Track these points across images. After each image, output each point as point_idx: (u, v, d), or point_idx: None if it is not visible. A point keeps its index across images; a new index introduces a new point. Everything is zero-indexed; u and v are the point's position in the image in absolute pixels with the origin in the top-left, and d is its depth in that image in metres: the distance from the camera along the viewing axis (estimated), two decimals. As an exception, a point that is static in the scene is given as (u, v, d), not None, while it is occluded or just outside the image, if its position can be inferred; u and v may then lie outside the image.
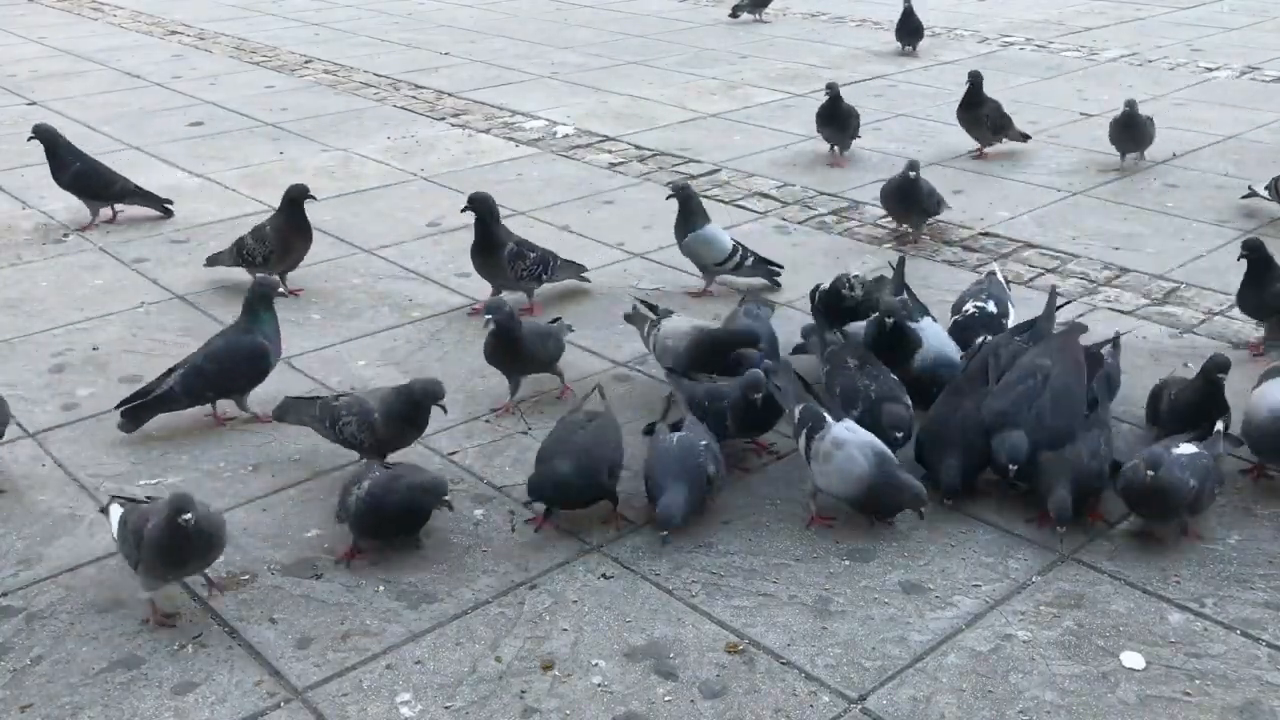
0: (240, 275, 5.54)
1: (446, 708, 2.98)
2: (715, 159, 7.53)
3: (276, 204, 5.67)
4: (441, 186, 7.03)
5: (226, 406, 4.39)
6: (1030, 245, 6.00)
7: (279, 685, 3.06)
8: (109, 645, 3.21)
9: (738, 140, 7.96)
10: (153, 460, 4.13)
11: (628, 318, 4.74)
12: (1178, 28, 11.58)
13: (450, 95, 9.27)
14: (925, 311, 4.58)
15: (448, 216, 5.31)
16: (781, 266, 5.51)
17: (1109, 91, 8.86)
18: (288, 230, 5.46)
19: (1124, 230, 6.16)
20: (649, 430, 4.07)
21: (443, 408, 3.89)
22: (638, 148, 7.80)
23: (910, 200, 5.90)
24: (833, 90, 7.23)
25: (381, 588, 3.43)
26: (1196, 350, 4.78)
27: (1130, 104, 6.98)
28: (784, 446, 4.10)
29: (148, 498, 3.47)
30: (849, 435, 3.66)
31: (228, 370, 4.30)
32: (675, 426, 3.87)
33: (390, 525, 3.53)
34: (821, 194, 6.84)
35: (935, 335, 4.42)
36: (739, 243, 5.46)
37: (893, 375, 4.09)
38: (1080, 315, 5.00)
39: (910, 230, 6.06)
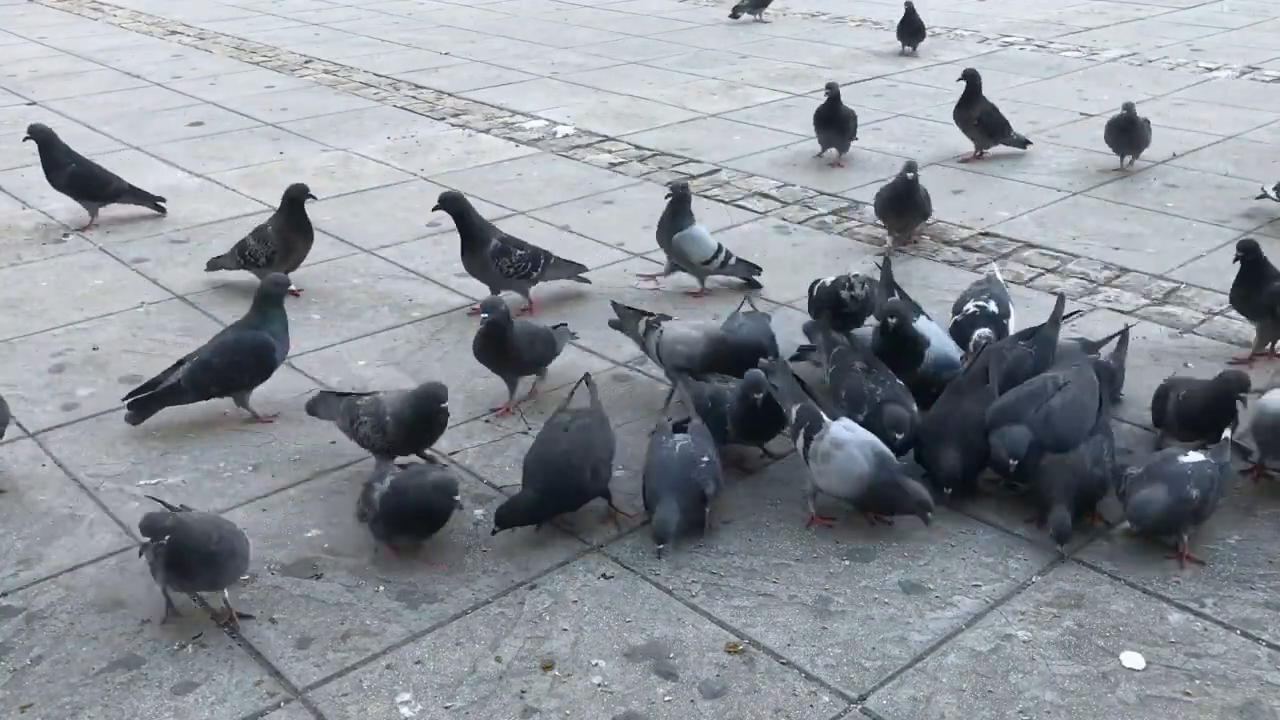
0: (241, 276, 5.54)
1: (446, 708, 2.98)
2: (715, 159, 7.53)
3: (276, 204, 5.67)
4: (441, 187, 6.97)
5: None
6: (1030, 245, 6.00)
7: (279, 685, 3.06)
8: (109, 645, 3.21)
9: (738, 140, 7.96)
10: (153, 460, 4.13)
11: (614, 325, 4.72)
12: (1178, 28, 11.58)
13: (450, 95, 9.28)
14: (920, 311, 4.57)
15: (447, 217, 5.33)
16: (760, 269, 5.52)
17: (1109, 91, 8.86)
18: (289, 230, 5.47)
19: (1124, 230, 6.16)
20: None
21: (444, 410, 3.88)
22: (638, 148, 7.80)
23: (908, 202, 5.88)
24: (833, 91, 7.19)
25: (381, 588, 3.43)
26: (1196, 350, 4.78)
27: (1127, 107, 6.96)
28: (783, 446, 4.09)
29: (182, 506, 3.46)
30: (848, 435, 3.66)
31: (234, 365, 4.32)
32: (680, 426, 3.85)
33: (416, 522, 3.53)
34: (821, 194, 6.84)
35: (934, 335, 4.42)
36: (719, 242, 5.49)
37: (899, 381, 4.08)
38: (1080, 316, 5.00)
39: (899, 234, 5.99)
